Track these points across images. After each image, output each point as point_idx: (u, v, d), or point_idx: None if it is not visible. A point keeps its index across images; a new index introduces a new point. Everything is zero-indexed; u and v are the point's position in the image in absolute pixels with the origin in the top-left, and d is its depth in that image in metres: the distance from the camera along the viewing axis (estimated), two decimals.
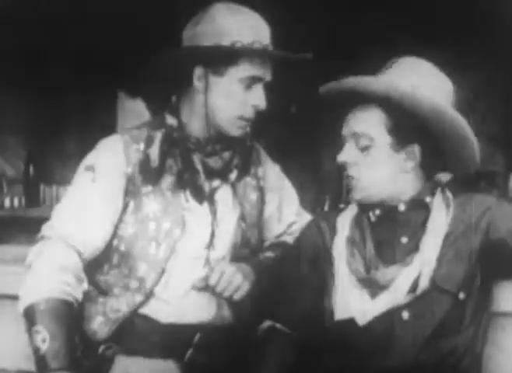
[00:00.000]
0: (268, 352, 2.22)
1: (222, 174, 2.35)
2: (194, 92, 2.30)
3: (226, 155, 2.36)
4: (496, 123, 5.83)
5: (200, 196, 2.32)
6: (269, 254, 2.42)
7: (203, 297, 2.31)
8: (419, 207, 2.18)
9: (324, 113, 2.34)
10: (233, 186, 2.38)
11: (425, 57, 2.24)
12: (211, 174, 2.33)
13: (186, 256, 2.29)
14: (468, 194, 2.23)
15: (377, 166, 2.15)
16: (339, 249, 2.21)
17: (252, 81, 2.25)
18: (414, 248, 2.15)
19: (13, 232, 4.96)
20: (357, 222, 2.23)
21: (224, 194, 2.36)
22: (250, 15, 2.29)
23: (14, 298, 2.23)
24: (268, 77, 2.28)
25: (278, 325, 2.25)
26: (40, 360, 2.12)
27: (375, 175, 2.15)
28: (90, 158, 2.32)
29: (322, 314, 2.20)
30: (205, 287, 2.28)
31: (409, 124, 2.12)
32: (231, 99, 2.26)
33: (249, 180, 2.42)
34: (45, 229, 2.27)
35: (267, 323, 2.26)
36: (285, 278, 2.30)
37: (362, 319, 2.13)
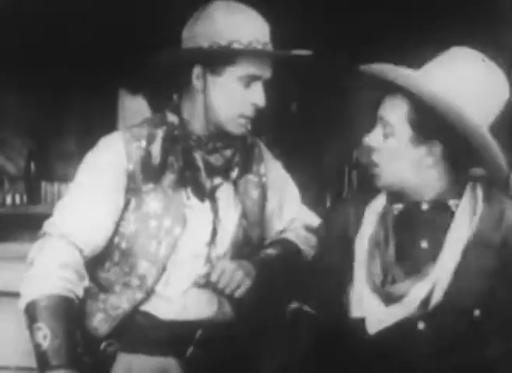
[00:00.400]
0: (296, 333, 2.21)
1: (223, 171, 2.36)
2: (194, 90, 2.30)
3: (228, 152, 2.36)
4: (496, 122, 5.83)
5: (201, 193, 2.32)
6: (270, 251, 2.43)
7: (204, 294, 2.31)
8: (442, 210, 2.13)
9: (366, 90, 2.29)
10: (235, 183, 2.38)
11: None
12: (212, 171, 2.34)
13: (187, 254, 2.30)
14: (506, 201, 2.15)
15: (396, 156, 2.12)
16: (362, 246, 2.18)
17: (251, 79, 2.25)
18: (433, 255, 2.10)
19: (15, 229, 4.97)
20: (383, 218, 2.18)
21: (225, 192, 2.36)
22: (249, 14, 2.29)
23: (15, 295, 2.23)
24: (267, 75, 2.28)
25: (305, 307, 2.23)
26: (41, 356, 2.13)
27: (394, 165, 2.12)
28: (91, 156, 2.33)
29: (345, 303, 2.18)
30: (206, 284, 2.28)
31: (431, 120, 2.07)
32: (230, 98, 2.26)
33: (251, 177, 2.43)
34: (46, 226, 2.27)
35: (294, 305, 2.26)
36: (314, 263, 2.29)
37: (373, 327, 2.10)
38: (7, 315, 2.60)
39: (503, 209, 2.12)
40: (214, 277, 2.26)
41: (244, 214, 2.38)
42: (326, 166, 5.92)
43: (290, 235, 2.50)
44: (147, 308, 2.29)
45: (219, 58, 2.24)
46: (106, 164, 2.29)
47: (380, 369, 2.10)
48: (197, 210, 2.31)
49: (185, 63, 2.28)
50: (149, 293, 2.28)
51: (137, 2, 5.28)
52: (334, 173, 5.50)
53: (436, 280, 2.07)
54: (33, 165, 5.98)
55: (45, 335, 2.13)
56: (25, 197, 5.85)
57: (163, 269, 2.28)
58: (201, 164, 2.32)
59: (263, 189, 2.45)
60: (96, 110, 5.98)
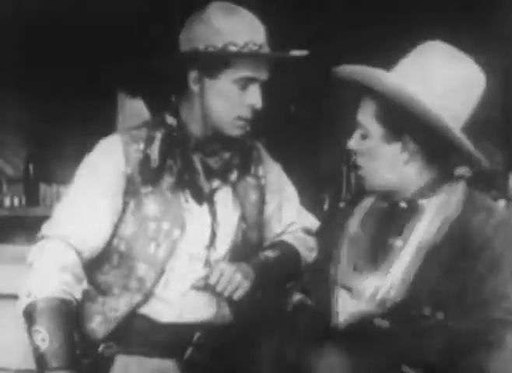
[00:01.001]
0: (298, 324, 2.21)
1: (222, 174, 2.36)
2: (191, 93, 2.31)
3: (226, 154, 2.36)
4: (496, 122, 5.83)
5: (200, 196, 2.32)
6: (269, 253, 2.43)
7: (203, 296, 2.31)
8: (415, 208, 2.13)
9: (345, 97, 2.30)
10: (234, 186, 2.38)
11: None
12: (211, 174, 2.34)
13: (186, 257, 2.30)
14: (482, 205, 2.11)
15: (374, 156, 2.13)
16: (344, 245, 2.20)
17: (247, 81, 2.26)
18: None
19: (13, 231, 4.97)
20: (365, 217, 2.20)
21: (224, 195, 2.36)
22: (245, 15, 2.29)
23: (14, 297, 2.23)
24: (263, 76, 2.28)
25: (307, 299, 2.23)
26: (40, 359, 2.13)
27: (373, 164, 2.13)
28: (90, 159, 2.33)
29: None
30: (205, 287, 2.29)
31: (397, 117, 2.08)
32: (227, 101, 2.27)
33: (249, 180, 2.43)
34: (45, 229, 2.27)
35: (297, 296, 2.26)
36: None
37: (343, 322, 2.11)
38: (6, 318, 2.60)
39: (484, 213, 2.08)
40: (212, 280, 2.26)
41: (243, 217, 2.38)
42: (324, 168, 5.93)
43: (289, 238, 2.50)
44: (146, 310, 2.29)
45: (214, 61, 2.25)
46: (105, 166, 2.29)
47: (347, 366, 2.10)
48: (195, 213, 2.31)
49: (181, 67, 2.28)
50: (148, 296, 2.28)
51: (137, 5, 5.28)
52: (333, 175, 5.50)
53: (394, 277, 2.06)
54: (31, 167, 5.98)
55: (44, 337, 2.13)
56: (23, 199, 5.85)
57: (162, 271, 2.28)
58: (199, 166, 2.33)
59: (262, 191, 2.45)
60: (95, 113, 5.98)
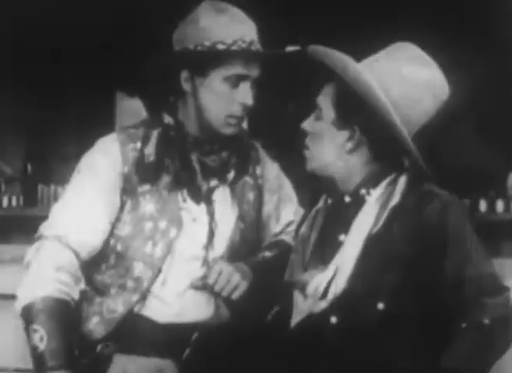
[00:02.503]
0: (276, 333, 2.20)
1: (219, 173, 2.35)
2: (185, 93, 2.31)
3: (224, 154, 2.36)
4: (496, 122, 5.83)
5: (197, 196, 2.32)
6: (267, 253, 2.42)
7: (201, 296, 2.31)
8: (359, 201, 2.12)
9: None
10: (231, 185, 2.38)
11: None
12: (208, 173, 2.33)
13: (184, 256, 2.29)
14: (429, 193, 2.08)
15: (321, 139, 2.13)
16: (295, 242, 2.21)
17: (238, 79, 2.25)
18: None
19: (11, 231, 4.97)
20: (314, 214, 2.20)
21: (222, 194, 2.36)
22: (234, 13, 2.29)
23: (12, 297, 2.23)
24: (254, 74, 2.27)
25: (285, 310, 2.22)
26: (38, 358, 2.13)
27: (319, 147, 2.14)
28: (87, 158, 2.33)
29: None
30: (203, 287, 2.28)
31: (351, 104, 2.09)
32: (218, 99, 2.26)
33: (247, 180, 2.42)
34: (42, 229, 2.27)
35: (276, 308, 2.25)
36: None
37: (294, 319, 2.10)
38: (4, 317, 2.60)
39: (429, 197, 2.07)
40: (211, 280, 2.26)
41: (241, 217, 2.38)
42: None
43: (287, 238, 2.50)
44: (144, 310, 2.28)
45: (204, 60, 2.25)
46: (101, 166, 2.28)
47: (301, 365, 2.09)
48: (193, 212, 2.31)
49: (172, 67, 2.28)
50: (145, 295, 2.27)
51: (136, 4, 5.28)
52: None
53: (336, 270, 2.05)
54: (29, 167, 5.99)
55: (41, 337, 2.13)
56: (21, 199, 5.86)
57: (159, 271, 2.28)
58: (197, 166, 2.32)
59: (259, 191, 2.45)
60: (94, 112, 5.99)
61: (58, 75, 5.87)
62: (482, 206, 5.65)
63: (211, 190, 2.34)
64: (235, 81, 2.25)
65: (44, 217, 2.31)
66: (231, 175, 2.37)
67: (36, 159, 6.05)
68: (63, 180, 4.86)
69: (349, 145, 2.11)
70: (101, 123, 5.67)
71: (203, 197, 2.32)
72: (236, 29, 2.25)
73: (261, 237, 2.48)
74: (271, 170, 2.50)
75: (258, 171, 2.46)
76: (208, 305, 2.32)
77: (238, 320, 2.34)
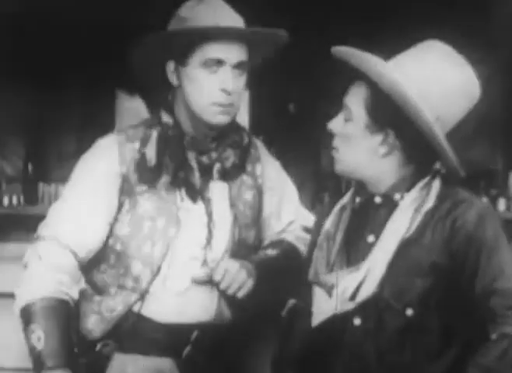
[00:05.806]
0: (294, 329, 2.17)
1: (217, 172, 2.34)
2: (176, 88, 2.30)
3: (221, 152, 2.34)
4: (496, 122, 5.83)
5: (194, 195, 2.30)
6: (270, 252, 2.41)
7: (201, 295, 2.30)
8: (392, 203, 2.08)
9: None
10: (229, 184, 2.36)
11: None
12: (206, 172, 2.32)
13: (183, 256, 2.28)
14: (465, 200, 2.05)
15: (352, 142, 2.08)
16: (320, 238, 2.16)
17: (215, 63, 2.22)
18: None
19: (12, 230, 4.97)
20: (340, 212, 2.15)
21: (219, 193, 2.35)
22: (214, 3, 2.27)
23: (12, 296, 2.23)
24: (234, 59, 2.23)
25: (302, 304, 2.19)
26: (37, 358, 2.13)
27: (350, 150, 2.08)
28: (85, 159, 2.32)
29: None
30: (205, 281, 2.27)
31: (386, 109, 2.04)
32: (199, 87, 2.24)
33: (245, 179, 2.40)
34: (41, 229, 2.27)
35: (291, 301, 2.23)
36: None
37: (316, 319, 2.07)
38: (3, 317, 2.59)
39: (464, 204, 2.04)
40: (217, 277, 2.24)
41: (236, 217, 2.36)
42: (323, 166, 5.93)
43: (289, 236, 2.49)
44: (143, 309, 2.28)
45: (179, 46, 2.23)
46: (100, 167, 2.28)
47: (321, 365, 2.08)
48: (191, 211, 2.30)
49: (158, 60, 2.28)
50: (144, 294, 2.27)
51: (136, 4, 5.28)
52: (332, 173, 5.49)
53: (367, 273, 2.02)
54: (30, 166, 5.99)
55: (39, 336, 2.13)
56: (22, 198, 5.86)
57: (158, 270, 2.27)
58: (194, 164, 2.31)
59: (258, 190, 2.42)
60: (94, 111, 5.99)
61: (58, 75, 5.87)
62: None
63: (208, 189, 2.33)
64: (212, 66, 2.23)
65: (45, 216, 2.31)
66: (229, 174, 2.36)
67: (37, 158, 6.05)
68: (63, 179, 4.85)
69: (383, 150, 2.07)
70: (101, 122, 5.67)
71: (200, 196, 2.31)
72: (212, 16, 2.23)
73: (261, 237, 2.47)
74: (272, 169, 2.49)
75: (258, 169, 2.44)
76: (208, 304, 2.30)
77: (239, 319, 2.33)
